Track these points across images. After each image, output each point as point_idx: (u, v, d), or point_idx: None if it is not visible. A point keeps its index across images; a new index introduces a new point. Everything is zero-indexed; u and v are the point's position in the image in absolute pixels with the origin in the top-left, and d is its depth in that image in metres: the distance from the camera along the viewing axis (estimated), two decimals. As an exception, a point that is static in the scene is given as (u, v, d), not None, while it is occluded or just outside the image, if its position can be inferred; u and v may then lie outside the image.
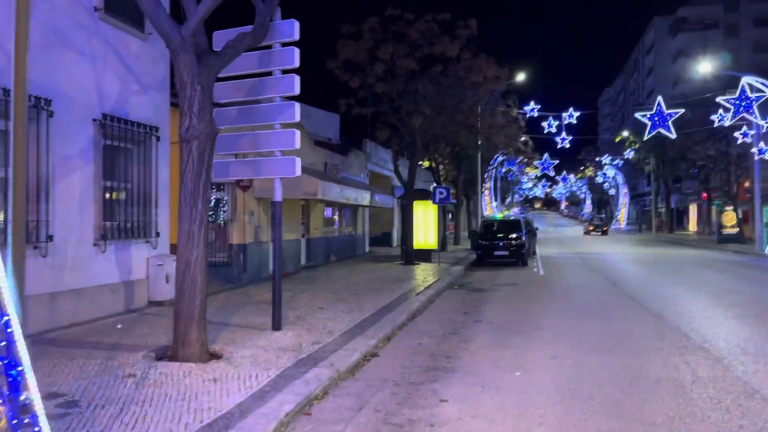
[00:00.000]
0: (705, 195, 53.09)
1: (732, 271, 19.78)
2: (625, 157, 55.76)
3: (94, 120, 10.26)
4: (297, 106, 9.06)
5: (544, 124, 30.58)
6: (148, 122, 11.53)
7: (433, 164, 31.29)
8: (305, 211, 20.94)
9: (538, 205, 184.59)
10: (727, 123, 28.27)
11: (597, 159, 77.86)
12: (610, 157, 60.15)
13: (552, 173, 56.25)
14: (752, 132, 28.67)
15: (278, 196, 9.26)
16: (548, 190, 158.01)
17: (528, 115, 30.54)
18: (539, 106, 30.78)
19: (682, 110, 28.74)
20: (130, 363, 7.10)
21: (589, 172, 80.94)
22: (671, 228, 56.71)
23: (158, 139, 11.77)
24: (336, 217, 24.54)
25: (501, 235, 22.44)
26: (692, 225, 60.86)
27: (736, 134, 29.62)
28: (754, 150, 28.87)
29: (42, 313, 9.02)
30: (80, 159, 9.97)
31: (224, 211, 15.79)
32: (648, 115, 28.61)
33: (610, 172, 70.99)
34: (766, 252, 27.31)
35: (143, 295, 11.65)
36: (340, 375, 7.00)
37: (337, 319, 10.27)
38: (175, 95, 8.09)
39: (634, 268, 21.03)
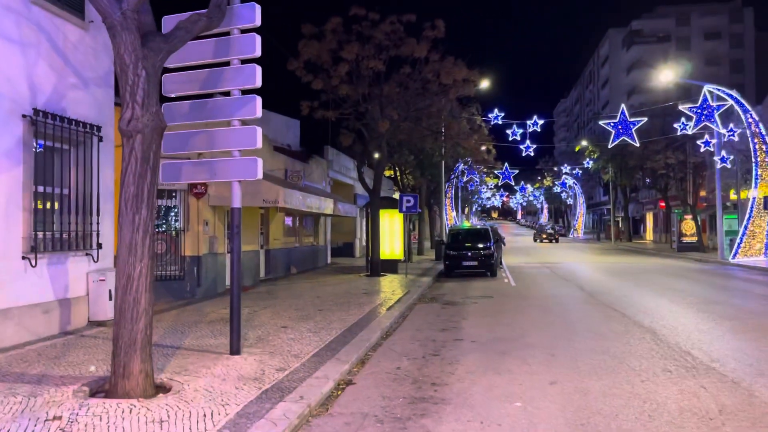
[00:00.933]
0: (662, 204, 53.84)
1: (704, 281, 19.46)
2: (585, 166, 56.05)
3: (24, 116, 8.98)
4: (258, 100, 8.01)
5: (508, 131, 30.06)
6: (89, 120, 10.26)
7: (397, 172, 30.46)
8: (264, 220, 19.75)
9: (495, 215, 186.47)
10: (690, 131, 28.33)
11: (555, 168, 78.59)
12: (569, 167, 60.49)
13: (512, 182, 56.11)
14: (714, 141, 28.76)
15: (237, 202, 8.17)
16: (505, 199, 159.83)
17: (492, 123, 30.00)
18: (503, 114, 30.32)
19: (645, 119, 28.70)
20: (57, 401, 5.89)
21: (548, 181, 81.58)
22: (629, 236, 57.26)
23: (100, 139, 10.51)
24: (297, 227, 23.38)
25: (469, 244, 21.66)
26: (649, 234, 61.73)
27: (698, 142, 29.71)
28: (715, 158, 28.97)
29: (-45, 340, 7.69)
30: (6, 160, 8.66)
31: (176, 220, 14.51)
32: (612, 124, 28.51)
33: (569, 181, 71.59)
34: (730, 260, 27.32)
35: (82, 315, 10.33)
36: (311, 410, 5.95)
37: (303, 339, 9.20)
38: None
39: (606, 278, 20.53)
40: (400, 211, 19.44)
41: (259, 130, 8.02)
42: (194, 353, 8.15)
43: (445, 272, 21.48)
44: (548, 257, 33.46)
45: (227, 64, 8.12)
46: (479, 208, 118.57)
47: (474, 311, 12.82)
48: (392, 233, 21.49)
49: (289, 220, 22.41)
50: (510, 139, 30.46)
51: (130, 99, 6.15)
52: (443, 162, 32.07)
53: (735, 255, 27.25)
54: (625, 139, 28.26)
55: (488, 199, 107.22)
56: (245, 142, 8.01)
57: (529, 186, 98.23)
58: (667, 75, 31.63)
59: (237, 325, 8.02)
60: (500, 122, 29.91)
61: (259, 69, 8.00)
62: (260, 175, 8.03)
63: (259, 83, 7.98)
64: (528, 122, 30.39)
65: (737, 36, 71.96)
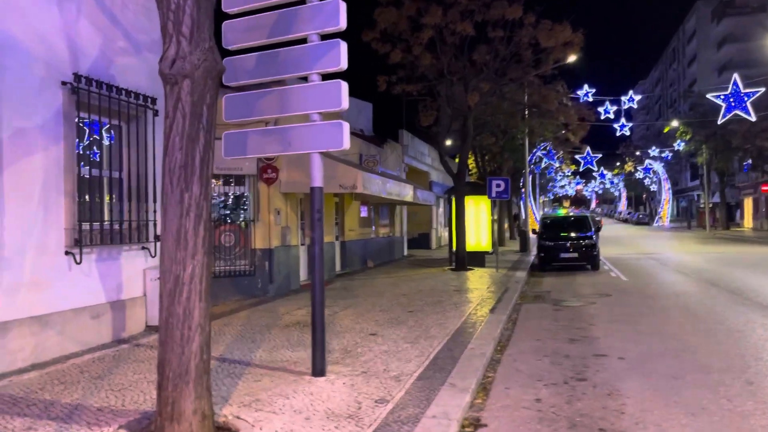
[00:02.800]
0: (766, 187, 49.11)
1: None
2: (676, 148, 51.82)
3: (63, 83, 7.47)
4: (343, 45, 6.15)
5: (600, 109, 27.30)
6: (141, 91, 8.71)
7: (478, 157, 28.23)
8: (338, 209, 18.07)
9: (566, 204, 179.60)
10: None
11: (638, 153, 73.85)
12: (657, 150, 56.11)
13: (594, 167, 52.53)
14: None
15: (317, 180, 6.38)
16: (579, 187, 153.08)
17: (582, 100, 27.32)
18: (593, 90, 27.58)
19: (763, 89, 25.27)
20: (82, 453, 4.23)
21: (629, 166, 76.72)
22: (726, 224, 52.63)
23: (156, 113, 8.94)
24: (373, 217, 21.62)
25: (567, 234, 19.25)
26: (747, 221, 56.70)
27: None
28: None
29: (-22, 356, 6.26)
30: (41, 136, 7.17)
31: (244, 210, 12.96)
32: (723, 96, 25.32)
33: (656, 166, 66.90)
34: None
35: (139, 320, 8.85)
36: (437, 475, 4.04)
37: (399, 352, 7.33)
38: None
39: (731, 269, 17.69)
40: (490, 197, 17.30)
41: (345, 86, 6.16)
42: (268, 372, 6.42)
43: (540, 265, 19.17)
44: (645, 247, 30.39)
45: (302, 2, 6.30)
46: (551, 196, 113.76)
47: (598, 314, 10.61)
48: (478, 222, 19.37)
49: (364, 210, 20.67)
50: (603, 117, 27.71)
51: (174, 31, 4.39)
52: (526, 142, 29.59)
53: None
54: (738, 113, 25.06)
55: (562, 187, 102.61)
56: (327, 102, 6.18)
57: (608, 172, 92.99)
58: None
59: (321, 339, 6.22)
60: (591, 99, 27.23)
61: (343, 5, 6.14)
62: (347, 144, 6.19)
63: (344, 24, 6.13)
64: (623, 98, 27.60)
65: None
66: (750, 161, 47.26)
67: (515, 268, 18.79)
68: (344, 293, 13.27)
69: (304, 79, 6.37)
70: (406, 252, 25.85)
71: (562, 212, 22.97)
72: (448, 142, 51.27)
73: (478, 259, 19.01)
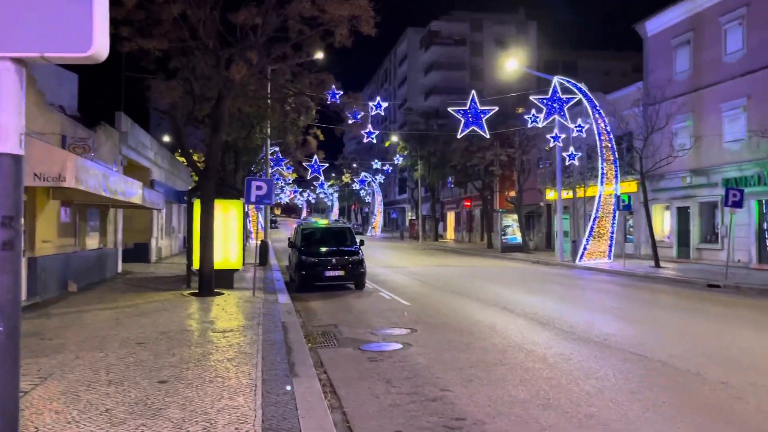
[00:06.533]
0: (468, 203, 53.84)
1: (579, 286, 16.93)
2: (395, 162, 53.90)
3: None
4: None
5: (349, 114, 25.51)
6: None
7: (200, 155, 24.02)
8: (26, 211, 12.53)
9: (278, 212, 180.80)
10: (540, 124, 26.47)
11: (354, 165, 76.29)
12: (379, 162, 57.89)
13: (321, 176, 51.80)
14: (563, 136, 27.31)
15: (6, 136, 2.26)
16: (291, 196, 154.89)
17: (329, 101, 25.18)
18: (340, 93, 25.68)
19: (496, 108, 26.21)
20: None
21: (346, 178, 78.87)
22: (435, 236, 56.52)
23: None
24: (77, 222, 16.07)
25: (330, 248, 16.56)
26: (450, 233, 61.97)
27: (548, 136, 28.11)
28: (564, 155, 27.63)
29: None
30: None
31: None
32: (462, 111, 25.56)
33: (371, 180, 69.54)
34: (577, 263, 25.90)
35: None
36: None
37: None
38: None
39: (501, 289, 16.93)
40: (248, 202, 13.62)
41: None
42: None
43: (300, 286, 16.01)
44: (380, 259, 29.55)
45: None
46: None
47: (429, 364, 7.86)
48: (227, 233, 15.46)
49: (65, 213, 15.12)
50: (350, 122, 25.94)
51: None
52: (268, 143, 26.47)
53: (582, 257, 25.93)
54: (475, 129, 25.54)
55: (277, 195, 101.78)
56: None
57: (326, 182, 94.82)
58: (512, 63, 29.74)
59: None
60: (338, 101, 25.25)
61: None
62: (100, 47, 2.24)
63: None
64: (371, 104, 26.27)
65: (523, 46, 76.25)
66: (452, 178, 51.08)
67: (272, 290, 15.38)
68: (37, 343, 8.37)
69: None
70: (120, 268, 20.40)
71: (322, 223, 20.21)
72: (166, 138, 45.31)
73: (226, 279, 15.13)
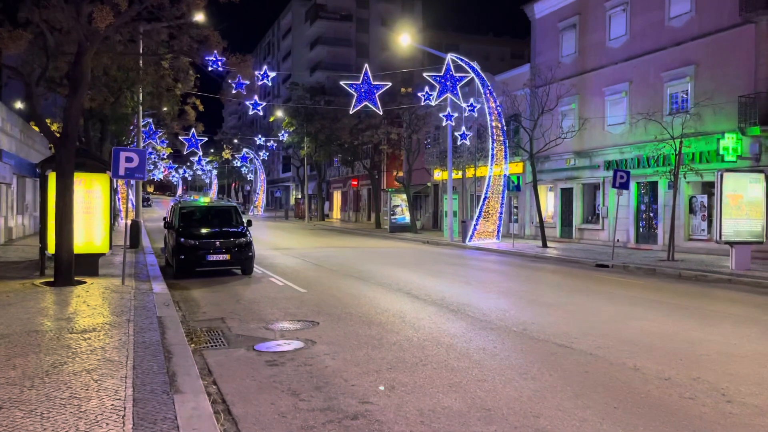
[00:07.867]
0: (355, 182, 52.99)
1: (475, 267, 16.64)
2: (280, 139, 51.74)
3: None
4: None
5: (233, 84, 23.51)
6: None
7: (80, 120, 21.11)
8: None
9: (150, 189, 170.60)
10: (433, 102, 25.91)
11: (235, 141, 72.93)
12: (263, 138, 55.26)
13: (199, 151, 48.60)
14: (455, 115, 26.92)
15: None
16: (167, 172, 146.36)
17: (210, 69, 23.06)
18: (222, 60, 23.62)
19: (389, 84, 25.30)
20: None
21: (226, 154, 75.10)
22: (322, 216, 55.18)
23: None
24: None
25: (213, 230, 14.83)
26: (336, 212, 60.91)
27: (441, 115, 27.63)
28: (456, 134, 27.29)
29: None
30: None
31: None
32: (355, 86, 24.38)
33: (253, 156, 66.75)
34: (467, 243, 25.76)
35: None
36: None
37: None
38: None
39: (396, 271, 16.05)
40: (116, 175, 11.63)
41: None
42: None
43: (178, 271, 14.18)
44: (265, 239, 27.89)
45: None
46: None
47: (342, 368, 6.70)
48: (90, 212, 13.28)
49: None
50: (233, 93, 23.94)
51: None
52: (140, 112, 23.84)
53: (471, 237, 25.82)
54: (368, 104, 24.50)
55: (151, 171, 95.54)
56: None
57: (204, 158, 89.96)
58: (404, 39, 28.89)
59: None
60: (222, 68, 23.18)
61: None
62: None
63: None
64: (257, 73, 24.37)
65: (408, 25, 76.04)
66: (339, 157, 49.89)
67: (145, 277, 13.47)
68: None
69: None
70: (-43, 251, 17.36)
71: (204, 201, 18.24)
72: (18, 104, 40.23)
73: (90, 265, 13.02)
